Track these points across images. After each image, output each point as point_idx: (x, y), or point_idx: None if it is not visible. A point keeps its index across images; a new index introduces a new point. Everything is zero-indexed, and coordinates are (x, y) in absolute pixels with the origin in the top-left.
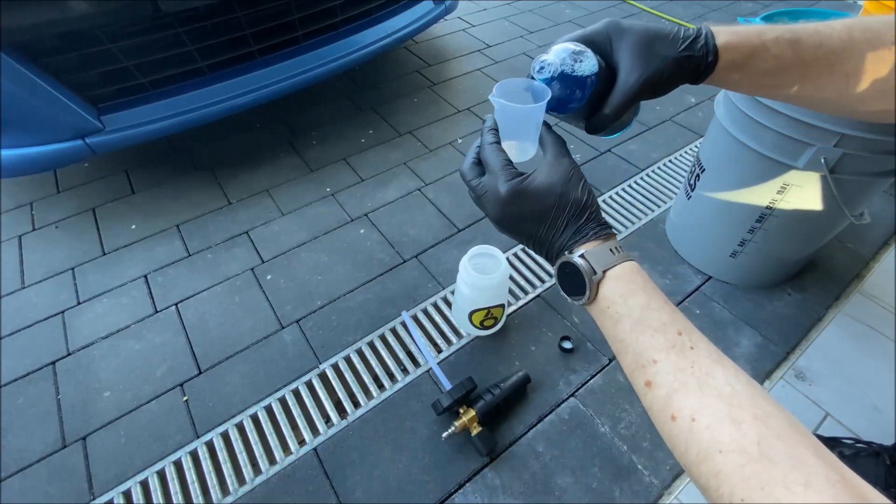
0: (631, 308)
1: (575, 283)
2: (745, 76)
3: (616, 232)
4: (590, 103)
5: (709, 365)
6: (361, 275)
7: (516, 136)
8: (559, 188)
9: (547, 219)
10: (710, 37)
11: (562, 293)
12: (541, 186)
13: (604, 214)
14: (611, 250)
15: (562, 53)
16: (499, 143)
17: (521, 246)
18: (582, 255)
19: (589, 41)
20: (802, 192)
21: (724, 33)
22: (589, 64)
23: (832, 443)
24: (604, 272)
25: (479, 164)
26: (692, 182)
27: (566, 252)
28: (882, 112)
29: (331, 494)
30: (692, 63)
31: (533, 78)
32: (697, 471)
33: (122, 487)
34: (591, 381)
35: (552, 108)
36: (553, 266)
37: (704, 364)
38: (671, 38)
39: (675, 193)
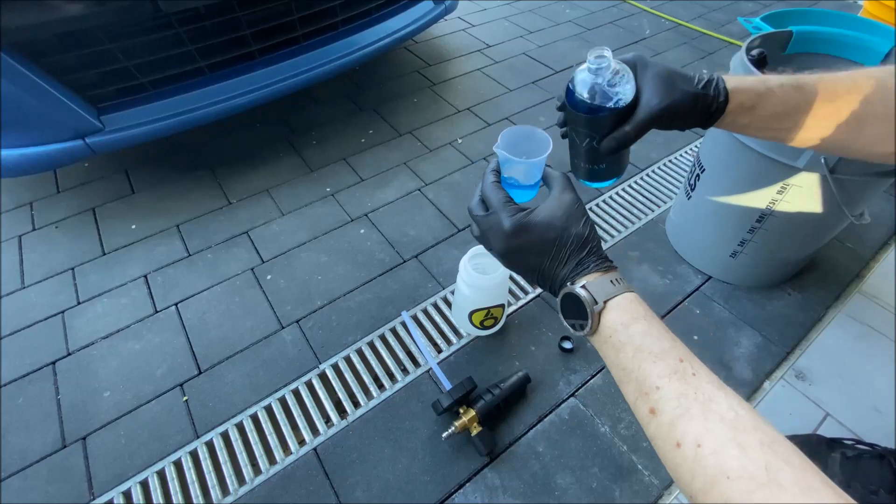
0: (632, 335)
1: (577, 313)
2: (755, 119)
3: (616, 266)
4: (610, 121)
5: (711, 391)
6: (361, 275)
7: (519, 181)
8: (562, 222)
9: (550, 252)
10: (721, 81)
11: (565, 325)
12: (544, 220)
13: (604, 214)
14: (611, 282)
15: (609, 63)
16: (499, 182)
17: None
18: (584, 287)
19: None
20: (802, 192)
21: (733, 79)
22: (630, 85)
23: (834, 444)
24: (605, 302)
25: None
26: (692, 182)
27: (568, 284)
28: (890, 154)
29: (331, 494)
30: (706, 101)
31: (589, 70)
32: (704, 499)
33: (122, 487)
34: (592, 381)
35: (583, 109)
36: (556, 298)
37: (707, 390)
38: (689, 77)
39: (675, 193)
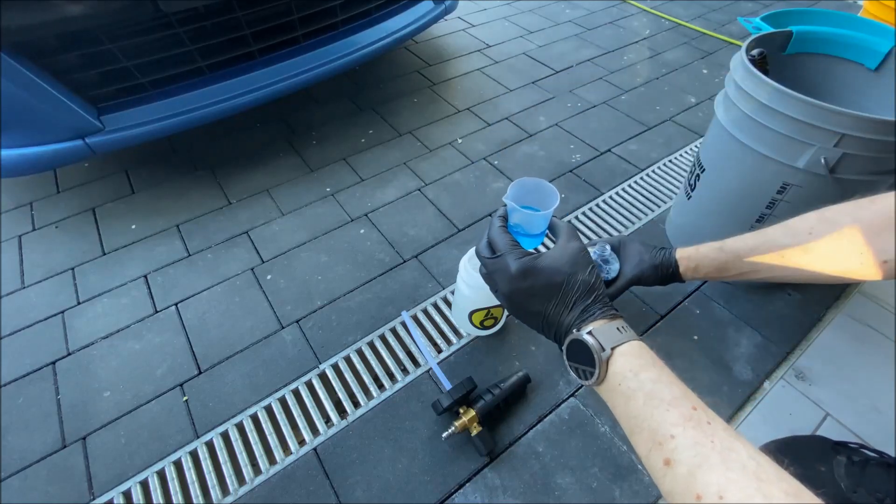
0: (642, 382)
1: (584, 360)
2: (705, 276)
3: (622, 314)
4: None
5: (729, 440)
6: (361, 275)
7: (525, 230)
8: (568, 268)
9: (556, 296)
10: (671, 254)
11: (571, 375)
12: (551, 265)
13: (604, 214)
14: (618, 329)
15: (606, 252)
16: (505, 227)
17: None
18: (590, 333)
19: (610, 243)
20: (802, 192)
21: (679, 252)
22: (616, 265)
23: (839, 447)
24: (613, 349)
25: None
26: (692, 182)
27: (574, 330)
28: (835, 276)
29: (331, 494)
30: (662, 269)
31: (593, 255)
32: None
33: (122, 487)
34: None
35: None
36: (562, 346)
37: (724, 438)
38: (652, 252)
39: (676, 193)
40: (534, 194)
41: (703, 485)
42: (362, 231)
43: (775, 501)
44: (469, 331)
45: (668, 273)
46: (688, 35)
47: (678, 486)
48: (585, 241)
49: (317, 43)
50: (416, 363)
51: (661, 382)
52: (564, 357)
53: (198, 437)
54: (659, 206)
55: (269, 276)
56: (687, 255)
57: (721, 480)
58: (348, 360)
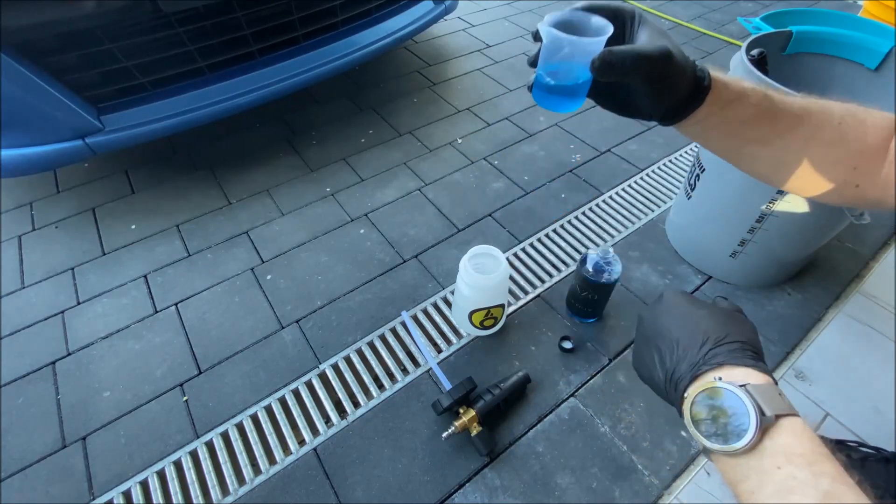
0: (818, 478)
1: (732, 419)
2: (725, 119)
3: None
4: (610, 288)
5: None
6: (361, 275)
7: (563, 81)
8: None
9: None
10: (706, 69)
11: (692, 430)
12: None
13: (604, 214)
14: (780, 393)
15: (609, 255)
16: None
17: (520, 246)
18: (745, 388)
19: (617, 9)
20: None
21: (715, 71)
22: (619, 268)
23: (839, 445)
24: (777, 417)
25: None
26: (692, 182)
27: (707, 371)
28: (826, 196)
29: (331, 494)
30: (694, 74)
31: (597, 255)
32: None
33: (122, 487)
34: (591, 381)
35: (589, 276)
36: (682, 391)
37: None
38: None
39: (676, 193)
40: (578, 30)
41: None
42: (362, 231)
43: None
44: (469, 331)
45: (694, 76)
46: (688, 35)
47: None
48: (586, 242)
49: (317, 43)
50: (416, 363)
51: (844, 484)
52: (691, 407)
53: (198, 437)
54: (659, 206)
55: (268, 276)
56: (726, 81)
57: None
58: (348, 360)
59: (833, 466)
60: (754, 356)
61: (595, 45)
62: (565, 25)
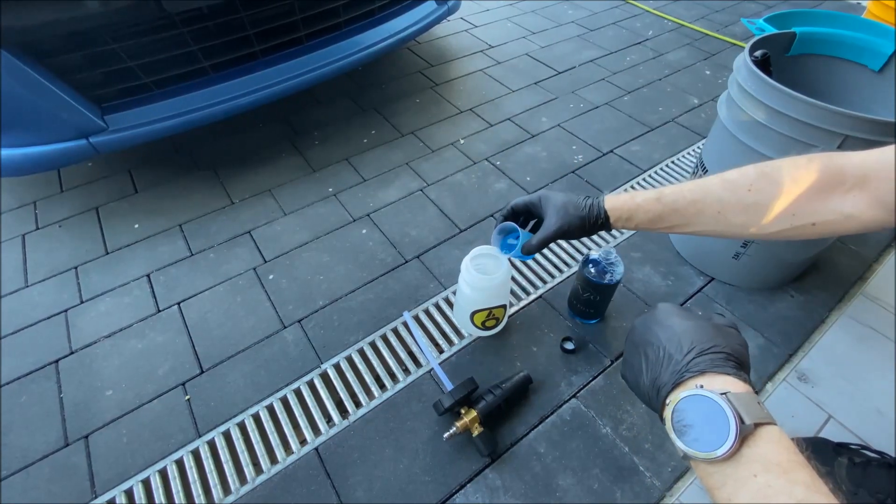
0: (793, 485)
1: (709, 424)
2: (635, 225)
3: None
4: (612, 289)
5: None
6: (363, 275)
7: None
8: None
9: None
10: (601, 203)
11: (672, 437)
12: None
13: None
14: (759, 402)
15: (612, 256)
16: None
17: None
18: (725, 396)
19: (529, 203)
20: None
21: (610, 200)
22: (620, 268)
23: (841, 449)
24: (755, 426)
25: None
26: None
27: (689, 378)
28: (775, 234)
29: (332, 494)
30: (590, 219)
31: (600, 256)
32: None
33: (124, 486)
34: (593, 382)
35: (592, 278)
36: (664, 397)
37: None
38: (578, 205)
39: None
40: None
41: None
42: (364, 231)
43: None
44: (470, 331)
45: (596, 223)
46: (691, 36)
47: None
48: (589, 243)
49: (320, 43)
50: (417, 363)
51: (818, 492)
52: (672, 414)
53: (200, 436)
54: None
55: (271, 276)
56: (619, 205)
57: None
58: (350, 359)
59: (808, 475)
60: (737, 366)
61: (519, 245)
62: (506, 229)
